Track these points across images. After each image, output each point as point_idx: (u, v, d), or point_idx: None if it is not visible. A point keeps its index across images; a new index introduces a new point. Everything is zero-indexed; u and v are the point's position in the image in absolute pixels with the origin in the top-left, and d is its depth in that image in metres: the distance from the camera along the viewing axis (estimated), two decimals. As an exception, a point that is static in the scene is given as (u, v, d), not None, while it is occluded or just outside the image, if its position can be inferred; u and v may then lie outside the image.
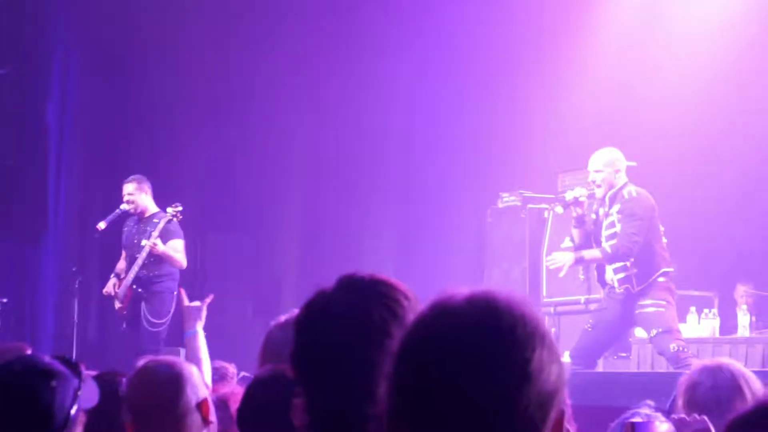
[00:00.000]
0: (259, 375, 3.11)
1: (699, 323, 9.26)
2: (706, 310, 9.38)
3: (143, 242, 9.69)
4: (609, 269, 8.29)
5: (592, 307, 9.26)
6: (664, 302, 8.13)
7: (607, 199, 8.28)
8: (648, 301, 8.14)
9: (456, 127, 12.19)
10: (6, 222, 11.54)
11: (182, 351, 4.96)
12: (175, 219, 9.76)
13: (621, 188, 8.25)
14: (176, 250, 9.80)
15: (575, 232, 8.31)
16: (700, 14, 11.05)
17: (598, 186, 8.26)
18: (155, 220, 9.85)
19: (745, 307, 9.51)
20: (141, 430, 3.44)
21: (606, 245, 8.20)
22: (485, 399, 1.60)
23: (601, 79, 11.26)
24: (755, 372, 7.44)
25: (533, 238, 10.37)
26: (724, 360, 4.22)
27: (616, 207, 8.21)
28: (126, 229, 10.03)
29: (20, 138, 11.56)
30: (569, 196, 8.34)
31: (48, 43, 11.59)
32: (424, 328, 1.68)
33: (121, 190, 9.97)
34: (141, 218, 9.93)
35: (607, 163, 8.26)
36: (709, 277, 10.26)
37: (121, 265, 10.05)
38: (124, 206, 9.89)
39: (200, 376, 3.51)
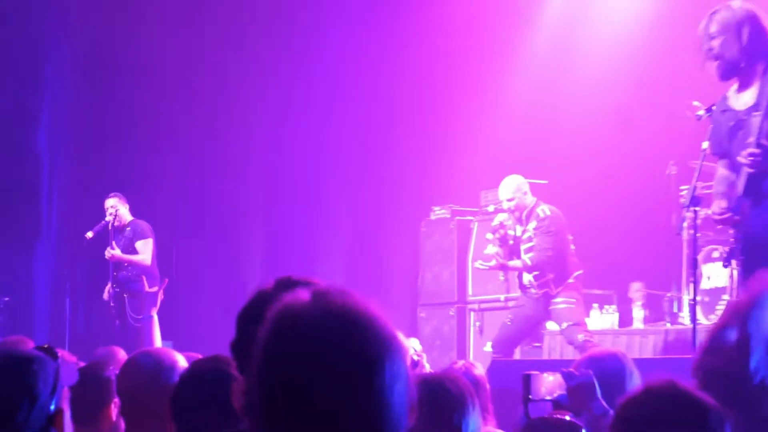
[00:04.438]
0: (193, 365, 3.09)
1: (601, 317, 9.39)
2: (606, 306, 9.50)
3: (106, 252, 9.93)
4: (527, 275, 8.51)
5: (511, 304, 9.40)
6: (573, 300, 8.42)
7: (523, 217, 8.54)
8: (560, 299, 8.42)
9: (392, 150, 12.15)
10: (4, 233, 11.46)
11: (170, 343, 4.99)
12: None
13: (534, 207, 8.56)
14: (141, 251, 10.00)
15: (499, 251, 8.52)
16: (613, 37, 10.85)
17: (514, 211, 8.54)
18: (128, 228, 10.06)
19: (639, 303, 9.64)
20: (130, 413, 3.43)
21: (525, 257, 8.50)
22: (332, 404, 1.49)
23: (516, 108, 11.30)
24: (648, 360, 7.58)
25: (461, 245, 10.49)
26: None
27: (532, 224, 8.49)
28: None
29: (16, 159, 11.46)
30: (495, 221, 8.61)
31: (37, 64, 11.46)
32: (273, 337, 1.55)
33: (103, 202, 10.13)
34: (119, 228, 10.10)
35: (515, 190, 8.57)
36: (609, 278, 10.38)
37: None
38: (108, 218, 10.05)
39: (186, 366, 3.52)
